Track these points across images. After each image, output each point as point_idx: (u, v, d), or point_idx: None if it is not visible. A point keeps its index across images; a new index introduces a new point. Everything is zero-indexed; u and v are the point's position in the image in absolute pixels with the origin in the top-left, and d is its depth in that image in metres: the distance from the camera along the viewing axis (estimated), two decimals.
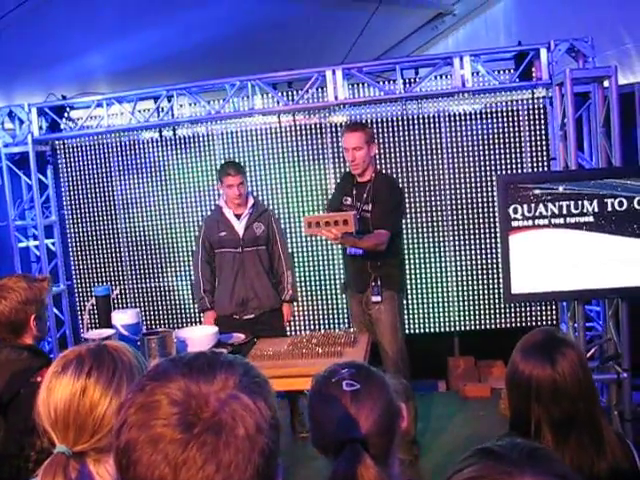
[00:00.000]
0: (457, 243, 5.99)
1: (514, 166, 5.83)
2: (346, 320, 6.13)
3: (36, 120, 5.90)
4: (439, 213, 5.99)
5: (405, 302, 5.01)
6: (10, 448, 2.30)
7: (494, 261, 5.88)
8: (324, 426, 1.59)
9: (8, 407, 2.59)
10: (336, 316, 6.24)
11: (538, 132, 5.76)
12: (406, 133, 5.97)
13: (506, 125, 5.82)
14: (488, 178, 5.86)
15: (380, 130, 5.93)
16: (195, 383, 0.94)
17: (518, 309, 5.96)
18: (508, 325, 5.99)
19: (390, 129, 5.98)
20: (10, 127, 6.03)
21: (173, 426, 0.89)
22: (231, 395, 0.93)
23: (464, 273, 6.00)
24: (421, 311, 6.11)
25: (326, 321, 6.25)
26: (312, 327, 6.22)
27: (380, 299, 4.63)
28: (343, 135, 4.72)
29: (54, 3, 4.93)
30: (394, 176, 5.72)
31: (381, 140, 5.89)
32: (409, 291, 5.87)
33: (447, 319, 6.10)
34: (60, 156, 6.47)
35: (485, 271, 5.97)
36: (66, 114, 6.06)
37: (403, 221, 5.03)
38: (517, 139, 5.81)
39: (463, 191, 5.93)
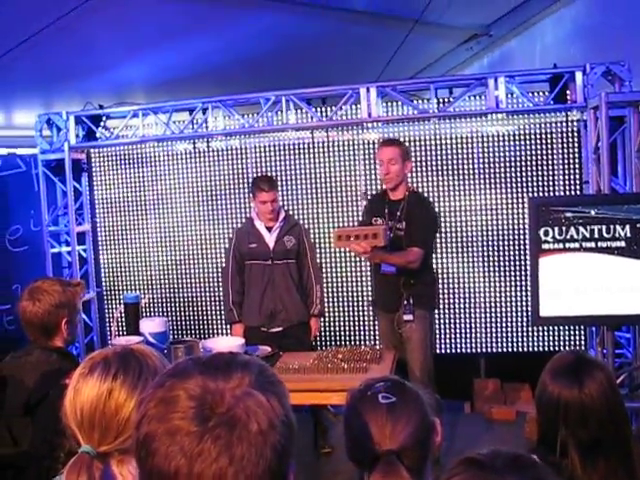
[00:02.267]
0: (486, 264, 5.95)
1: (546, 189, 5.78)
2: (372, 336, 6.11)
3: (73, 128, 5.99)
4: (469, 234, 5.95)
5: None
6: (40, 449, 2.32)
7: (523, 283, 5.83)
8: (360, 438, 1.60)
9: (37, 408, 2.63)
10: (363, 332, 6.22)
11: (571, 155, 5.71)
12: (438, 153, 5.95)
13: (539, 147, 5.78)
14: (520, 200, 5.81)
15: (412, 149, 5.89)
16: (212, 380, 0.97)
17: (546, 333, 5.90)
18: (535, 349, 5.92)
19: (423, 148, 5.97)
20: (48, 134, 6.14)
21: (189, 419, 0.93)
22: (246, 392, 0.97)
23: (493, 294, 5.96)
24: (448, 331, 6.07)
25: (353, 336, 6.24)
26: (338, 342, 6.20)
27: (412, 317, 4.61)
28: (379, 149, 4.73)
29: (94, 15, 5.02)
30: (425, 195, 5.70)
31: (413, 159, 5.86)
32: (436, 311, 5.84)
33: (474, 340, 6.05)
34: (95, 164, 6.55)
35: (514, 293, 5.92)
36: (102, 123, 6.15)
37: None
38: (550, 162, 5.76)
39: (494, 212, 5.90)
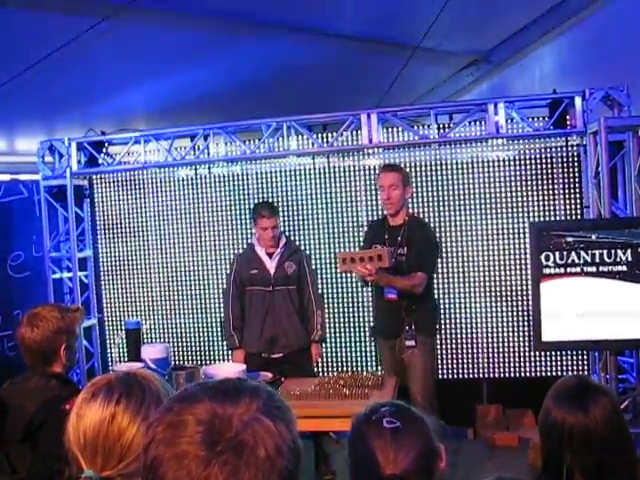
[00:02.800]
0: (488, 289, 5.93)
1: (547, 213, 5.78)
2: (374, 362, 6.08)
3: (75, 154, 6.03)
4: (470, 258, 5.95)
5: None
6: (39, 475, 2.31)
7: (525, 308, 5.81)
8: (364, 462, 1.60)
9: (37, 434, 2.61)
10: (364, 358, 6.20)
11: (572, 180, 5.71)
12: (439, 178, 5.96)
13: (539, 172, 5.78)
14: (520, 225, 5.82)
15: (413, 175, 5.91)
16: (220, 405, 0.97)
17: (548, 358, 5.87)
18: (537, 374, 5.89)
19: (423, 174, 5.97)
20: (50, 161, 6.17)
21: (197, 443, 0.93)
22: (254, 417, 0.97)
23: (494, 319, 5.94)
24: (450, 357, 6.04)
25: (354, 362, 6.21)
26: (340, 368, 6.17)
27: (414, 343, 4.60)
28: (380, 175, 4.75)
29: (97, 43, 5.06)
30: (426, 220, 5.71)
31: (414, 184, 5.86)
32: (438, 336, 5.81)
33: (476, 366, 6.02)
34: (97, 190, 6.57)
35: (515, 318, 5.90)
36: (104, 149, 6.18)
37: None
38: (550, 186, 5.76)
39: (495, 237, 5.90)
